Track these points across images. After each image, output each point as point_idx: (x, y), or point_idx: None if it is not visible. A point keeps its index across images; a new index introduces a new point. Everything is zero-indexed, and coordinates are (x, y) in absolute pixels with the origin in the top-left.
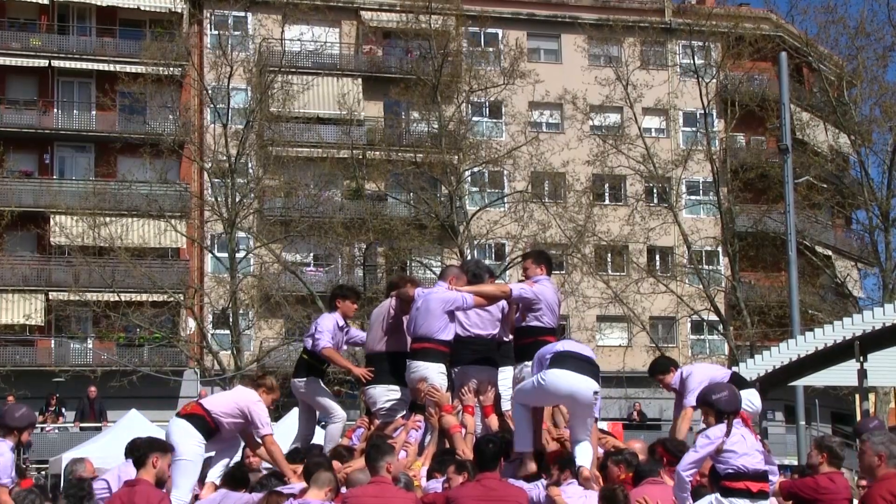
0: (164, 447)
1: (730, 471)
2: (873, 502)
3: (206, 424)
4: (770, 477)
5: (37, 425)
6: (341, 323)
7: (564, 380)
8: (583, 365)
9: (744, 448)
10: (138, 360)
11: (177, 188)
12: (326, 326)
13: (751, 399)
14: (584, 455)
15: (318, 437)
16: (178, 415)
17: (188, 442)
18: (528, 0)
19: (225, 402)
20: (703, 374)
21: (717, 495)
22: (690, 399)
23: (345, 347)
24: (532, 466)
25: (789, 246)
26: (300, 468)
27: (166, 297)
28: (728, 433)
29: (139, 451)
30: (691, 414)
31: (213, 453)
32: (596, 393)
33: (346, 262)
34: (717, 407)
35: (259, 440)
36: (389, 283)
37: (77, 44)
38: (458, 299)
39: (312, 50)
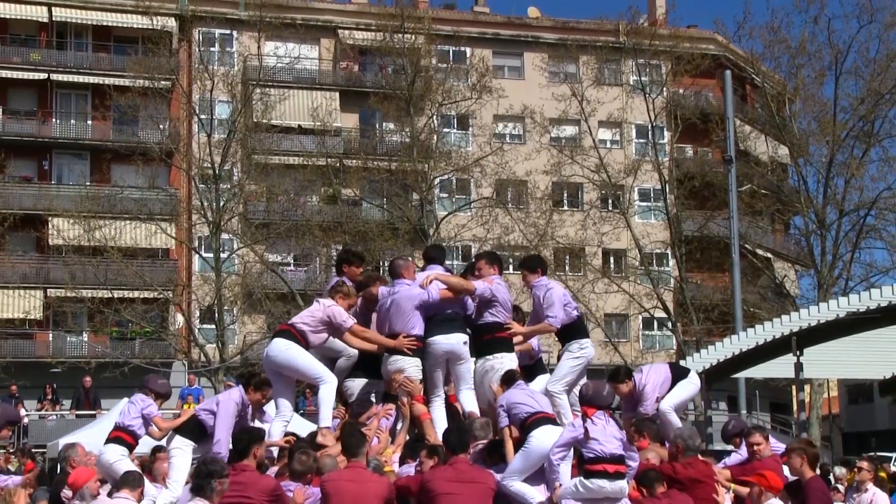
0: (262, 437)
1: (591, 455)
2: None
3: (296, 338)
4: (629, 462)
5: (37, 413)
6: None
7: (442, 343)
8: (451, 324)
9: (603, 437)
10: (130, 352)
11: (166, 193)
12: None
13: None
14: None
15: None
16: (275, 333)
17: (291, 350)
18: (494, 21)
19: (306, 317)
20: (559, 292)
21: (581, 478)
22: (554, 319)
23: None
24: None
25: (732, 249)
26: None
27: (156, 294)
28: (583, 426)
29: (241, 443)
30: (545, 329)
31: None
32: (465, 342)
33: (324, 262)
34: (578, 396)
35: (346, 333)
36: (359, 282)
37: (74, 58)
38: (424, 294)
39: (293, 66)
